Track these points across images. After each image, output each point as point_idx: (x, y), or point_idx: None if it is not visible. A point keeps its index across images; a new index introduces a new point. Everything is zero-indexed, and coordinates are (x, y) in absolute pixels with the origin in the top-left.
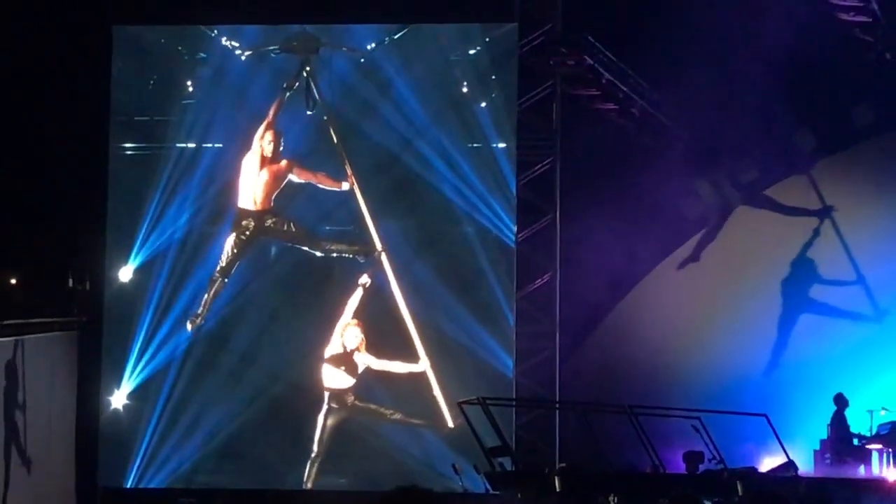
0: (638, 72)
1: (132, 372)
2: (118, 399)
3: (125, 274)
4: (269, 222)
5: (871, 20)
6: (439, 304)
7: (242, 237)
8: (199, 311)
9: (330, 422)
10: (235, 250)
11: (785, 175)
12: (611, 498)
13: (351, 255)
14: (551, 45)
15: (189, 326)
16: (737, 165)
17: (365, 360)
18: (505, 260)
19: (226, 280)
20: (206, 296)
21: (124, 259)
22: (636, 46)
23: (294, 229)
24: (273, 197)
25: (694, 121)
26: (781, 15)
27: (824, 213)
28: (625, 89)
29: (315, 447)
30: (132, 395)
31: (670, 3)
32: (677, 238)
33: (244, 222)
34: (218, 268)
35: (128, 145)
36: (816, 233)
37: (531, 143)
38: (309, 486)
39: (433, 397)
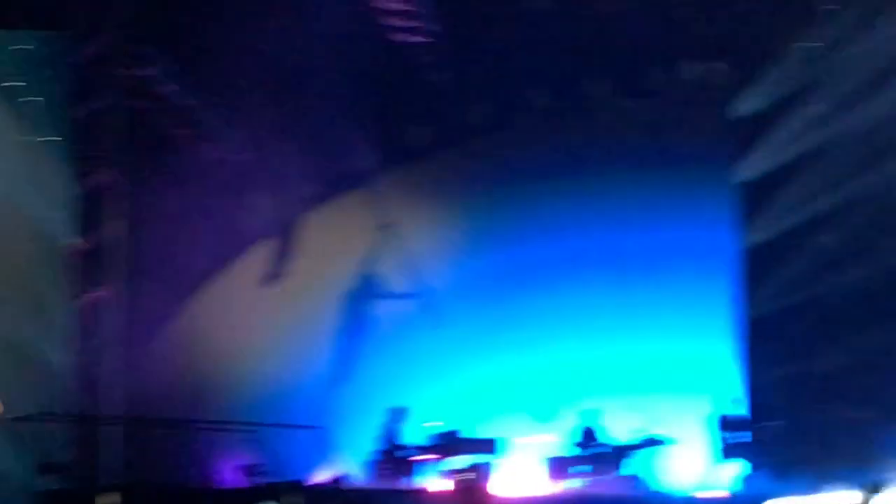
0: (203, 87)
1: None
2: None
3: None
4: None
5: (431, 41)
6: None
7: None
8: None
9: None
10: None
11: (347, 190)
12: None
13: None
14: (111, 56)
15: None
16: (299, 180)
17: None
18: (65, 269)
19: None
20: None
21: None
22: (199, 61)
23: None
24: None
25: (258, 137)
26: (343, 36)
27: (385, 228)
28: (188, 104)
29: None
30: None
31: (231, 21)
32: (237, 251)
33: None
34: None
35: None
36: (378, 247)
37: (92, 155)
38: None
39: None
